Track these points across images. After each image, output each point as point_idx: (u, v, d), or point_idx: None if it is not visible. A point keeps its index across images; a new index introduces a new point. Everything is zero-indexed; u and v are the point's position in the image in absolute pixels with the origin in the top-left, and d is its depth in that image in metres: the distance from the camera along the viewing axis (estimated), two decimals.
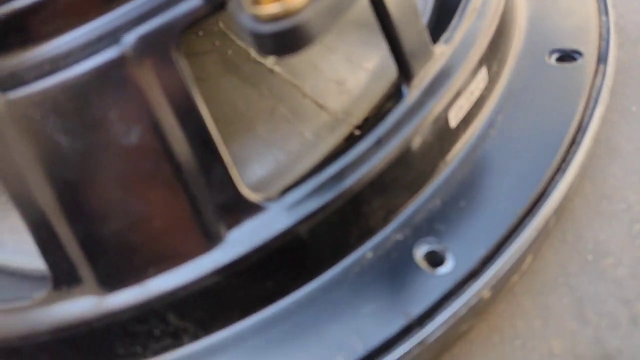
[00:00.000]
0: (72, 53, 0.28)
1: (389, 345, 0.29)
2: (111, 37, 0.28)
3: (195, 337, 0.31)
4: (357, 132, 0.40)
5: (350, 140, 0.39)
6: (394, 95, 0.34)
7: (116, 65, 0.28)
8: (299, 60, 0.42)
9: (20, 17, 0.29)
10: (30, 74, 0.28)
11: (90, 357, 0.32)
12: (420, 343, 0.29)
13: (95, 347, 0.31)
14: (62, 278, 0.30)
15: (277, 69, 0.42)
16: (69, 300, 0.30)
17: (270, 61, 0.42)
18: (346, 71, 0.42)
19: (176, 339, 0.31)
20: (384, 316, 0.30)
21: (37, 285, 0.39)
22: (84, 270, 0.30)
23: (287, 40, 0.25)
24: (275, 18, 0.25)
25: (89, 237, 0.29)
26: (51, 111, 0.28)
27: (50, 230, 0.30)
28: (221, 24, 0.44)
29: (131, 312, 0.30)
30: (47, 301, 0.31)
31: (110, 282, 0.30)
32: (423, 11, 0.43)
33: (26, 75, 0.28)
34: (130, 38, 0.28)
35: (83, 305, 0.30)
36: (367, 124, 0.40)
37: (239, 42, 0.43)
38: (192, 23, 0.29)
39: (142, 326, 0.30)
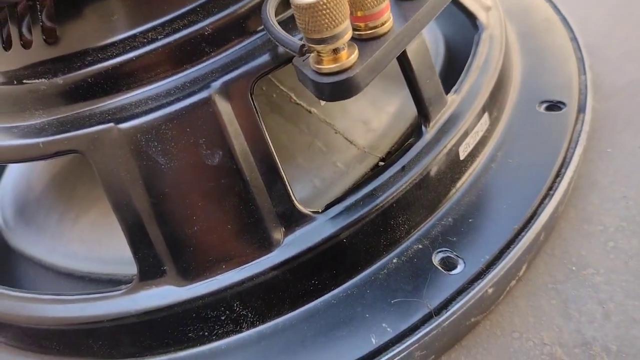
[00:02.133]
0: (172, 94, 0.37)
1: (413, 329, 0.36)
2: (202, 82, 0.37)
3: (252, 324, 0.38)
4: (381, 164, 0.48)
5: (375, 170, 0.47)
6: (415, 133, 0.42)
7: (206, 104, 0.36)
8: (332, 103, 0.51)
9: (129, 65, 0.37)
10: (138, 109, 0.37)
11: (166, 338, 0.38)
12: (438, 327, 0.36)
13: (172, 329, 0.38)
14: (149, 271, 0.38)
15: (314, 110, 0.50)
16: (154, 289, 0.38)
17: (307, 104, 0.51)
18: (371, 113, 0.51)
19: (237, 325, 0.38)
20: (408, 307, 0.37)
21: (105, 286, 0.46)
22: (168, 264, 0.37)
23: (342, 89, 0.34)
24: (332, 73, 0.33)
25: (174, 237, 0.37)
26: (154, 138, 0.36)
27: (143, 232, 0.37)
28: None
29: (205, 300, 0.37)
30: (134, 290, 0.38)
31: (189, 274, 0.37)
32: (435, 65, 0.52)
33: (135, 110, 0.37)
34: (217, 84, 0.36)
35: (165, 293, 0.37)
36: (390, 157, 0.48)
37: (282, 87, 0.51)
38: (264, 73, 0.37)
39: (212, 312, 0.37)
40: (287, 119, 0.50)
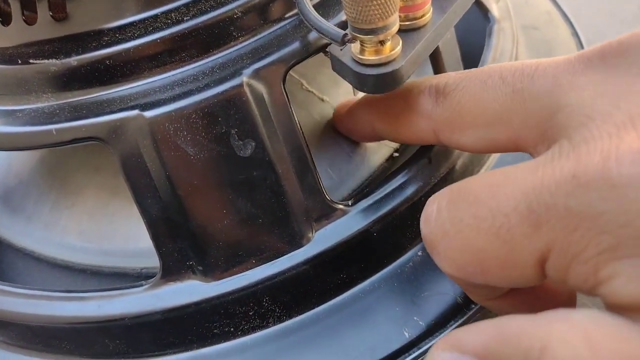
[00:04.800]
0: (200, 80, 0.35)
1: (445, 321, 0.36)
2: (233, 68, 0.35)
3: (279, 319, 0.38)
4: (396, 155, 0.48)
5: (390, 162, 0.47)
6: None
7: (239, 92, 0.34)
8: (344, 92, 0.50)
9: (151, 47, 0.35)
10: (163, 95, 0.34)
11: (189, 335, 0.37)
12: (468, 320, 0.37)
13: (196, 326, 0.37)
14: (173, 266, 0.36)
15: (326, 98, 0.49)
16: (179, 284, 0.36)
17: (319, 91, 0.50)
18: None
19: (264, 320, 0.37)
20: (438, 300, 0.37)
21: (108, 280, 0.44)
22: (195, 259, 0.36)
23: (386, 81, 0.33)
24: (377, 64, 0.33)
25: (202, 231, 0.35)
26: (183, 127, 0.34)
27: (168, 225, 0.35)
28: None
29: (234, 296, 0.36)
30: (158, 286, 0.36)
31: (217, 269, 0.36)
32: None
33: (160, 96, 0.34)
34: (249, 70, 0.35)
35: (192, 289, 0.36)
36: (404, 148, 0.48)
37: (293, 74, 0.50)
38: (297, 61, 0.36)
39: (240, 308, 0.36)
40: (300, 107, 0.49)
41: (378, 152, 0.47)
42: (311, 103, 0.49)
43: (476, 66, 0.46)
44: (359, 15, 0.30)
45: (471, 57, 0.49)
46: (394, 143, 0.48)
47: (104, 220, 0.46)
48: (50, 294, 0.37)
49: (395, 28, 0.32)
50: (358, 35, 0.32)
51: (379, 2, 0.30)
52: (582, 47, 0.55)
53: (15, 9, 0.36)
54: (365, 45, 0.32)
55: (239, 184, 0.35)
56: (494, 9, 0.50)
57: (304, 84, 0.50)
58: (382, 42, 0.32)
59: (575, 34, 0.56)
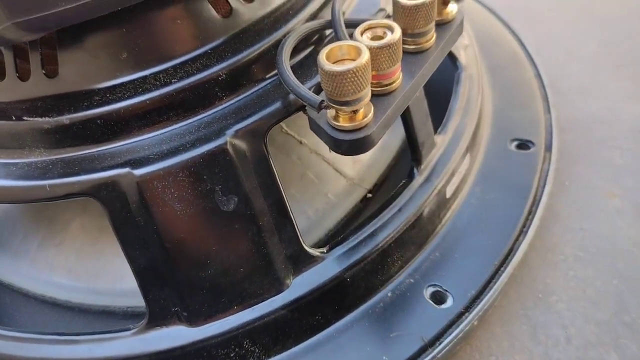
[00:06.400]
0: (186, 138, 0.37)
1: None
2: (217, 127, 0.37)
3: (258, 359, 0.40)
4: (369, 195, 0.51)
5: (364, 202, 0.50)
6: (408, 174, 0.45)
7: (223, 151, 0.37)
8: None
9: (140, 107, 0.37)
10: (151, 153, 0.37)
11: None
12: (432, 359, 0.40)
13: None
14: (160, 312, 0.38)
15: (304, 141, 0.52)
16: (164, 329, 0.38)
17: (297, 134, 0.52)
18: None
19: None
20: (405, 340, 0.40)
21: (97, 318, 0.46)
22: (180, 306, 0.38)
23: (358, 146, 0.36)
24: (350, 130, 0.35)
25: (187, 280, 0.38)
26: (171, 184, 0.36)
27: (155, 275, 0.38)
28: None
29: (217, 339, 0.38)
30: (144, 330, 0.38)
31: (201, 315, 0.38)
32: None
33: (148, 153, 0.37)
34: (232, 130, 0.37)
35: (176, 334, 0.38)
36: (377, 189, 0.51)
37: None
38: (276, 121, 0.38)
39: (222, 350, 0.39)
40: (280, 149, 0.51)
41: (353, 193, 0.50)
42: (290, 146, 0.52)
43: (444, 114, 0.50)
44: (334, 90, 0.33)
45: (442, 104, 0.52)
46: (367, 184, 0.51)
47: (92, 259, 0.48)
48: (42, 337, 0.39)
49: (367, 99, 0.34)
50: (333, 105, 0.34)
51: (353, 79, 0.32)
52: (544, 89, 0.58)
53: (8, 62, 0.38)
54: (339, 112, 0.35)
55: (222, 237, 0.37)
56: (462, 57, 0.53)
57: (283, 127, 0.52)
58: (355, 111, 0.35)
59: (539, 75, 0.60)
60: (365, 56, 0.32)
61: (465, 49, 0.55)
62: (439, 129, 0.48)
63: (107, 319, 0.44)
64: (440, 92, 0.53)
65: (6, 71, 0.38)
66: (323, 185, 0.50)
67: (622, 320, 0.46)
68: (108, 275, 0.46)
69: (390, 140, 0.53)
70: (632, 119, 0.63)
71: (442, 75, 0.54)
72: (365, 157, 0.52)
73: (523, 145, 0.53)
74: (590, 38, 0.74)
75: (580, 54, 0.72)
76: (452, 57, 0.53)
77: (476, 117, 0.50)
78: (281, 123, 0.52)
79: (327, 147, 0.53)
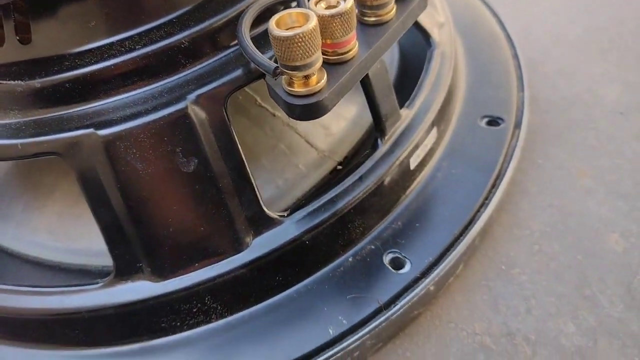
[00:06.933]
0: (149, 102, 0.39)
1: (366, 321, 0.41)
2: (179, 93, 0.39)
3: (221, 315, 0.42)
4: (339, 167, 0.52)
5: (334, 173, 0.52)
6: (372, 145, 0.47)
7: (183, 115, 0.39)
8: None
9: (106, 72, 0.39)
10: (115, 115, 0.39)
11: (139, 328, 0.41)
12: (386, 320, 0.41)
13: (146, 320, 0.41)
14: (125, 267, 0.40)
15: (277, 114, 0.54)
16: (129, 284, 0.40)
17: (271, 107, 0.54)
18: (331, 119, 0.55)
19: (207, 316, 0.42)
20: (361, 302, 0.42)
21: (75, 277, 0.48)
22: (144, 261, 0.40)
23: (311, 111, 0.37)
24: (303, 95, 0.37)
25: (150, 238, 0.40)
26: (132, 145, 0.38)
27: (120, 232, 0.40)
28: None
29: (179, 294, 0.40)
30: (111, 284, 0.41)
31: (164, 271, 0.40)
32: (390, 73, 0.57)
33: (113, 116, 0.39)
34: (193, 96, 0.39)
35: (141, 288, 0.40)
36: (347, 161, 0.52)
37: (248, 90, 0.54)
38: (237, 87, 0.40)
39: (185, 305, 0.41)
40: (252, 121, 0.53)
41: (323, 164, 0.52)
42: (264, 118, 0.53)
43: (413, 89, 0.51)
44: (283, 55, 0.35)
45: (412, 81, 0.53)
46: (338, 157, 0.53)
47: (72, 222, 0.51)
48: (18, 288, 0.42)
49: (318, 65, 0.36)
50: (285, 70, 0.36)
51: (301, 44, 0.34)
52: (520, 69, 0.59)
53: None
54: (293, 78, 0.37)
55: (183, 197, 0.39)
56: (436, 35, 0.54)
57: (257, 99, 0.54)
58: (307, 77, 0.36)
59: (516, 55, 0.61)
60: (313, 22, 0.34)
61: (441, 27, 0.56)
62: (407, 103, 0.49)
63: (84, 277, 0.47)
64: (415, 71, 0.55)
65: None
66: (294, 156, 0.51)
67: (582, 293, 0.47)
68: (86, 236, 0.48)
69: (363, 115, 0.54)
70: (613, 102, 0.63)
71: (422, 55, 0.56)
72: (337, 131, 0.54)
73: (493, 122, 0.54)
74: (576, 23, 0.74)
75: (566, 38, 0.72)
76: (426, 35, 0.54)
77: (444, 92, 0.51)
78: (256, 96, 0.54)
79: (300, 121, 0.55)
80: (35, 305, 0.42)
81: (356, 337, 0.40)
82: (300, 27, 0.34)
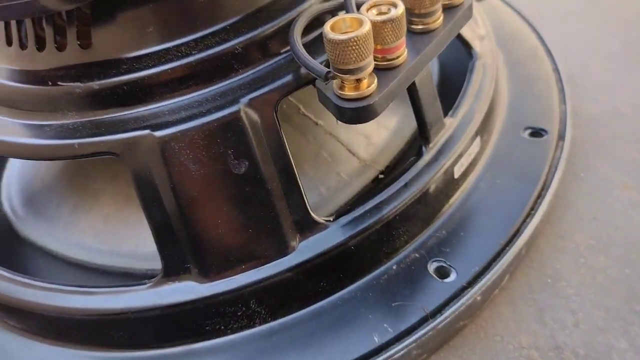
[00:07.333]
0: (203, 106, 0.40)
1: (411, 330, 0.40)
2: (232, 97, 0.40)
3: (264, 320, 0.42)
4: (381, 176, 0.52)
5: (375, 182, 0.52)
6: (416, 153, 0.47)
7: (236, 118, 0.39)
8: None
9: (163, 76, 0.40)
10: (171, 117, 0.40)
11: (184, 330, 0.42)
12: (432, 329, 0.41)
13: (191, 322, 0.41)
14: (173, 268, 0.41)
15: (320, 122, 0.54)
16: (177, 284, 0.41)
17: (314, 116, 0.55)
18: (372, 128, 0.55)
19: (251, 321, 0.42)
20: (407, 310, 0.42)
21: (118, 280, 0.49)
22: (192, 262, 0.40)
23: (361, 114, 0.38)
24: (354, 99, 0.37)
25: (199, 238, 0.40)
26: (187, 146, 0.39)
27: (170, 232, 0.40)
28: None
29: (224, 297, 0.40)
30: (159, 284, 0.41)
31: (211, 272, 0.40)
32: None
33: (168, 118, 0.40)
34: (246, 99, 0.40)
35: (188, 289, 0.41)
36: (389, 171, 0.52)
37: (291, 99, 0.55)
38: (287, 93, 0.41)
39: (230, 308, 0.41)
40: (296, 129, 0.54)
41: (365, 173, 0.52)
42: (306, 126, 0.54)
43: (456, 99, 0.51)
44: (337, 58, 0.35)
45: (454, 92, 0.53)
46: (380, 166, 0.53)
47: (118, 225, 0.51)
48: (63, 287, 0.42)
49: (370, 69, 0.36)
50: (337, 74, 0.36)
51: (355, 47, 0.34)
52: (561, 82, 0.59)
53: (49, 34, 0.42)
54: (344, 82, 0.37)
55: (233, 198, 0.40)
56: (477, 46, 0.54)
57: (300, 108, 0.55)
58: (359, 80, 0.37)
59: (557, 69, 0.61)
60: (367, 27, 0.35)
61: (482, 40, 0.56)
62: (450, 112, 0.49)
63: (128, 279, 0.47)
64: (457, 83, 0.55)
65: (46, 44, 0.42)
66: (336, 164, 0.52)
67: (632, 308, 0.46)
68: (132, 240, 0.49)
69: (404, 126, 0.55)
70: None
71: (460, 67, 0.56)
72: (378, 140, 0.54)
73: (536, 133, 0.54)
74: (615, 38, 0.74)
75: (604, 53, 0.72)
76: (467, 47, 0.55)
77: (487, 103, 0.51)
78: (299, 105, 0.55)
79: (342, 130, 0.55)
80: (81, 304, 0.42)
81: (402, 345, 0.40)
82: (353, 31, 0.35)
